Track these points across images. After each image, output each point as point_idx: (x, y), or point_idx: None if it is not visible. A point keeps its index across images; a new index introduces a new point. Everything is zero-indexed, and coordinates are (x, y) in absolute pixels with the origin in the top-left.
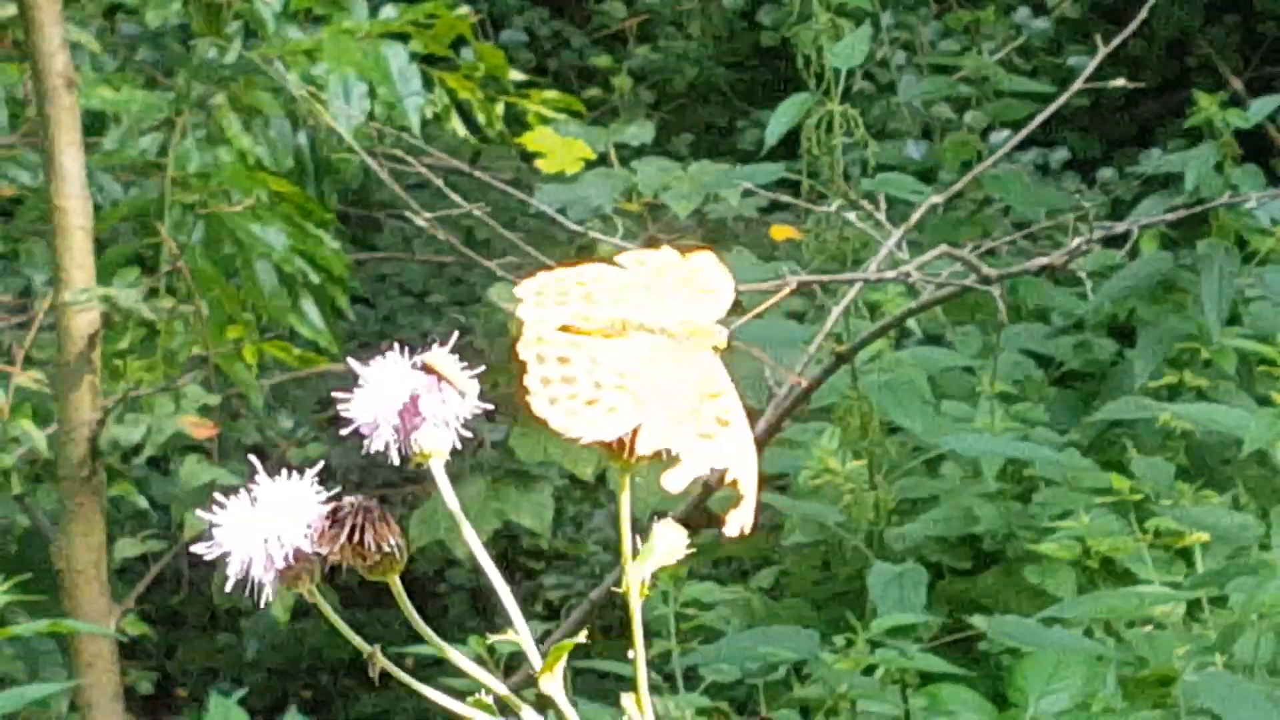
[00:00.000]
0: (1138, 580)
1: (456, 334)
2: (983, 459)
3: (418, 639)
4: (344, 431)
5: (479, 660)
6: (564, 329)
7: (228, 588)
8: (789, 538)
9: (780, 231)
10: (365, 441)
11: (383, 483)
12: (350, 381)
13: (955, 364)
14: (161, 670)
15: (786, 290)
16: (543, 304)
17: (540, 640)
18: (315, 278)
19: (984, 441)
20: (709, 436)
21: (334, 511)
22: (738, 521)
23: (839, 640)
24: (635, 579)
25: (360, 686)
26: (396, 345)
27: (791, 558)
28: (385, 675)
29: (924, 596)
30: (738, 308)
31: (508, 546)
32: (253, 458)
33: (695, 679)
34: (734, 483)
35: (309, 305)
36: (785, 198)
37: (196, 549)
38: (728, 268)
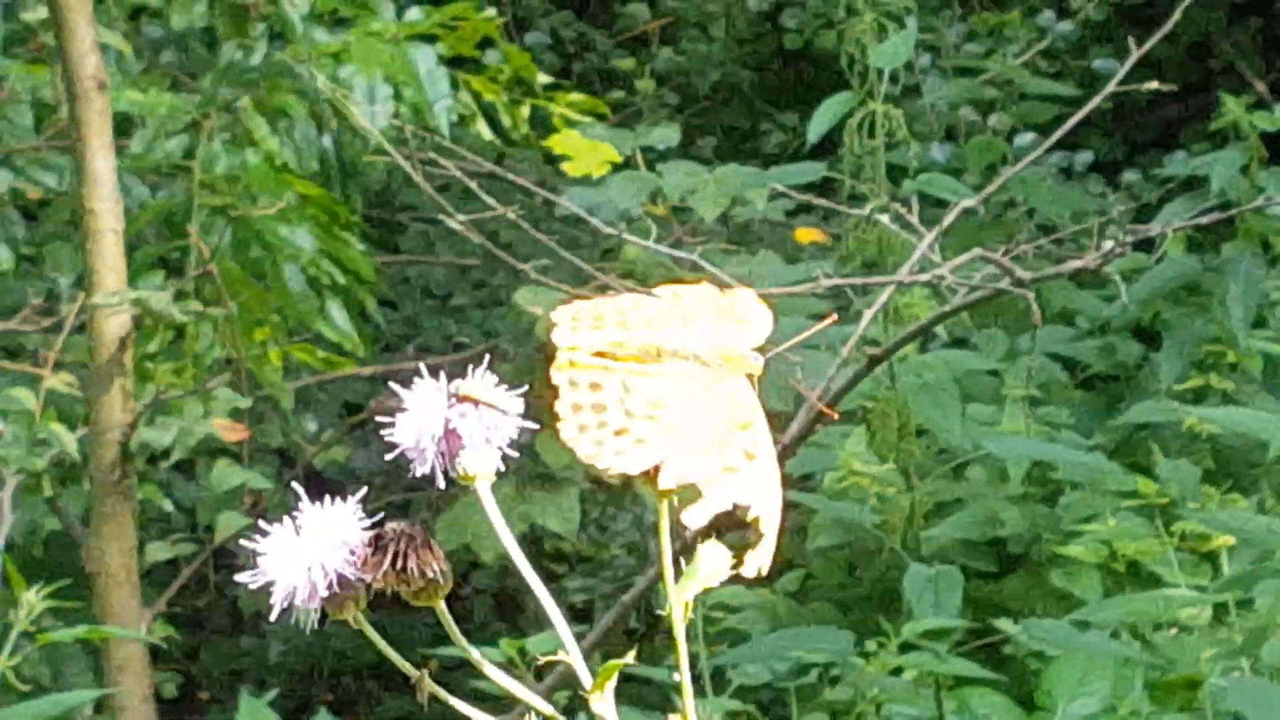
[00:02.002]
0: (1164, 584)
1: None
2: (1009, 462)
3: (444, 641)
4: (389, 456)
5: (509, 663)
6: (598, 354)
7: (273, 617)
8: (814, 541)
9: (805, 234)
10: (389, 446)
11: (407, 486)
12: (377, 385)
13: (981, 367)
14: (184, 673)
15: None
16: (578, 329)
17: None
18: (343, 280)
19: (1023, 444)
20: (734, 470)
21: (377, 538)
22: (756, 562)
23: (870, 644)
24: (678, 601)
25: (384, 690)
26: (425, 370)
27: (817, 561)
28: (408, 679)
29: (959, 599)
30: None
31: (531, 549)
32: (296, 486)
33: (722, 682)
34: (755, 520)
35: (335, 308)
36: (819, 201)
37: (241, 577)
38: (754, 271)
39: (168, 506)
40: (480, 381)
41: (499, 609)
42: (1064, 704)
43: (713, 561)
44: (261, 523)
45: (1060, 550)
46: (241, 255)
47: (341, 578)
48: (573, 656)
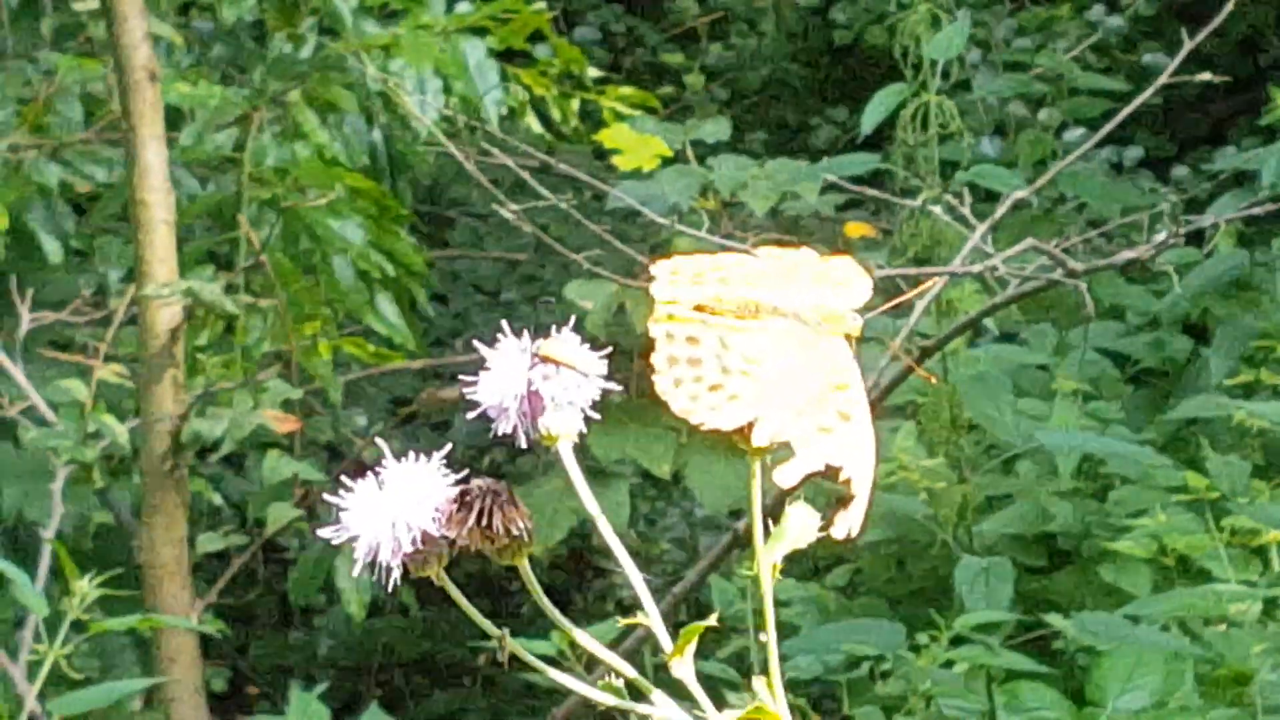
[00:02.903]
0: (1213, 578)
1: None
2: (1059, 457)
3: (483, 637)
4: (471, 415)
5: (560, 655)
6: (697, 308)
7: (354, 571)
8: (864, 535)
9: (855, 229)
10: (439, 438)
11: (455, 481)
12: (426, 379)
13: (1031, 362)
14: (233, 667)
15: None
16: (677, 283)
17: (622, 638)
18: (392, 273)
19: (1074, 438)
20: (828, 430)
21: (462, 495)
22: (846, 523)
23: (921, 637)
24: (767, 562)
25: (432, 684)
26: (507, 328)
27: (866, 556)
28: (457, 673)
29: (1010, 591)
30: None
31: (580, 543)
32: (381, 441)
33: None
34: (847, 481)
35: (385, 301)
36: (870, 192)
37: (324, 532)
38: None
39: (217, 500)
40: (563, 342)
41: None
42: (1114, 698)
43: (800, 523)
44: (345, 479)
45: (1110, 545)
46: (291, 248)
47: (425, 534)
48: (655, 623)
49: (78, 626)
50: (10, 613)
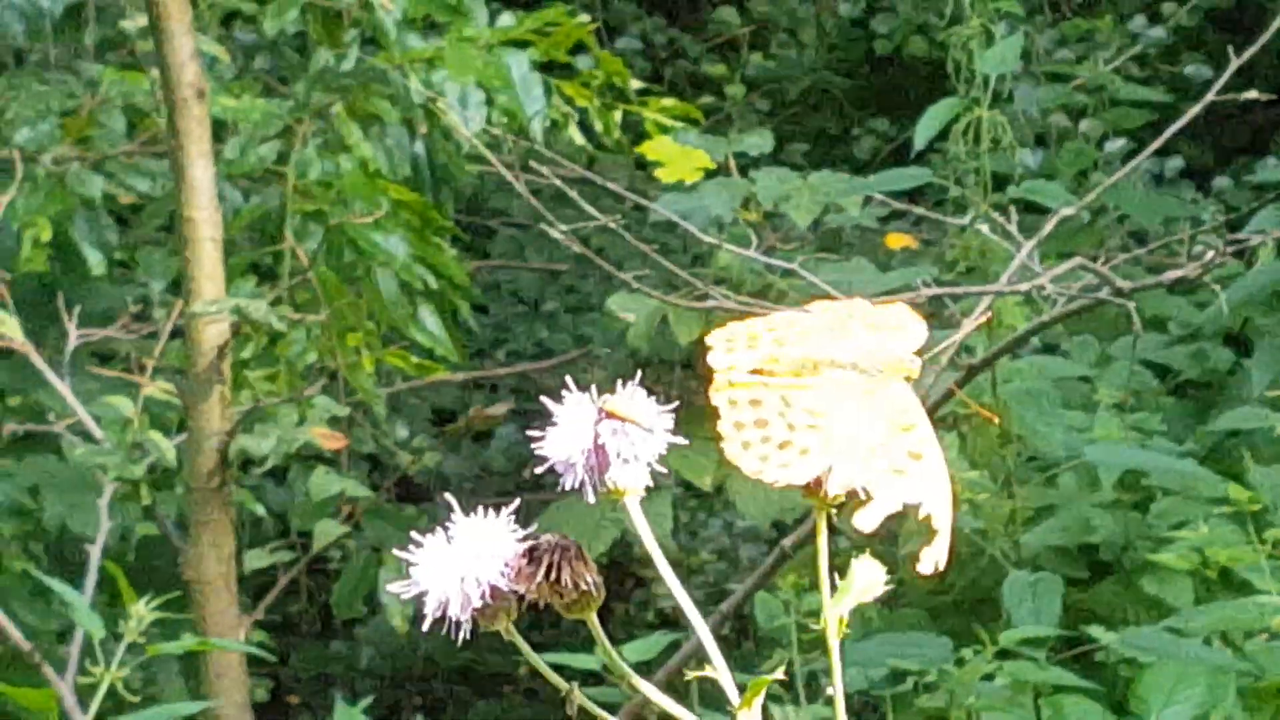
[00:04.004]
0: (1256, 591)
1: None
2: (1101, 468)
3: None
4: (540, 470)
5: (605, 670)
6: (755, 372)
7: (424, 626)
8: (906, 547)
9: (896, 240)
10: (481, 450)
11: (497, 491)
12: (468, 391)
13: (1073, 373)
14: (274, 677)
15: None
16: (733, 349)
17: (667, 650)
18: (435, 285)
19: (1120, 452)
20: (901, 472)
21: (531, 550)
22: (932, 558)
23: (966, 651)
24: (833, 616)
25: (474, 694)
26: (574, 385)
27: (908, 567)
28: (498, 682)
29: (1058, 606)
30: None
31: (622, 554)
32: (449, 496)
33: (816, 689)
34: (927, 518)
35: (427, 314)
36: (917, 209)
37: (393, 587)
38: (847, 278)
39: (260, 511)
40: (629, 398)
41: None
42: (1157, 711)
43: (867, 576)
44: (414, 534)
45: (1152, 557)
46: (335, 261)
47: (494, 588)
48: (723, 679)
49: (131, 646)
50: (54, 624)
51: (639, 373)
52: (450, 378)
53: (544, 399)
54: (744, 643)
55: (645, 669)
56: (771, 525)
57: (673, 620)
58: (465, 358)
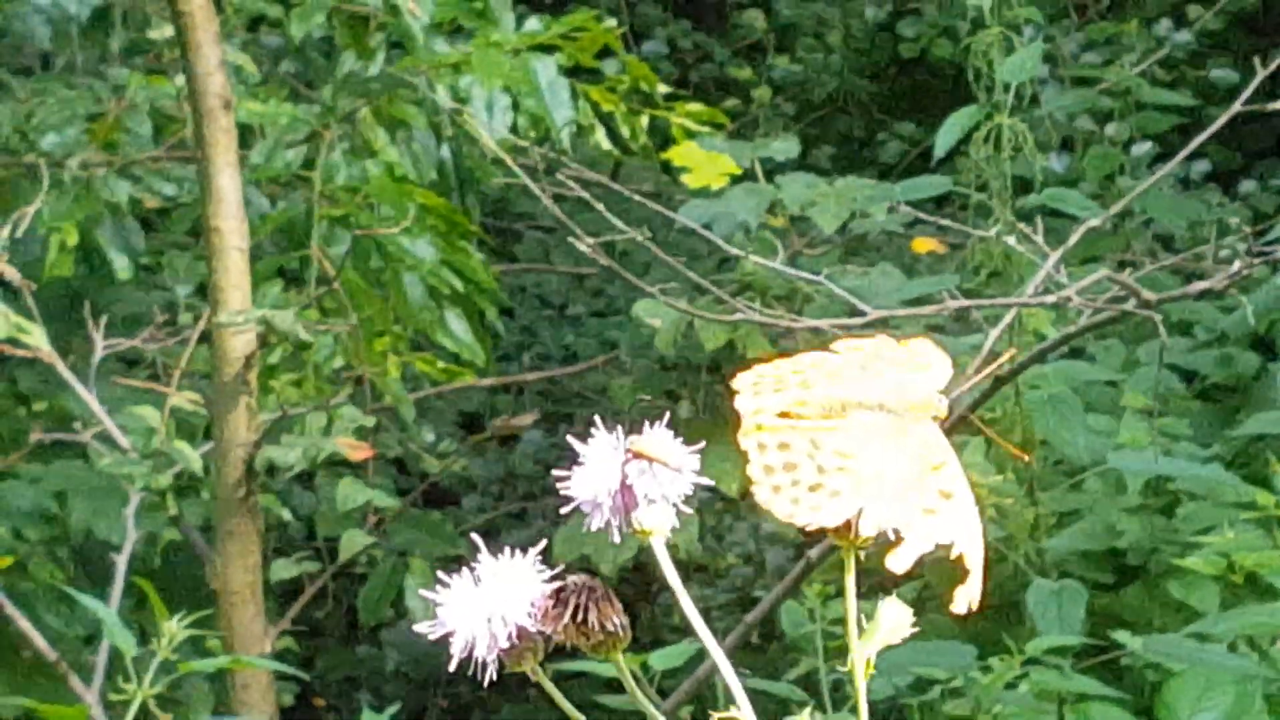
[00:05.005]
0: None
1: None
2: (1127, 474)
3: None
4: (565, 510)
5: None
6: (782, 415)
7: (451, 667)
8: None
9: (922, 244)
10: (507, 454)
11: (523, 495)
12: (495, 394)
13: (1099, 378)
14: (300, 680)
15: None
16: (760, 392)
17: (693, 659)
18: (462, 290)
19: (1145, 460)
20: (932, 511)
21: (558, 591)
22: (965, 598)
23: (992, 659)
24: (860, 658)
25: (499, 697)
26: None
27: (933, 572)
28: (523, 686)
29: (1082, 614)
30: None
31: (647, 558)
32: (476, 537)
33: (841, 696)
34: (959, 558)
35: (454, 318)
36: (942, 221)
37: (419, 628)
38: (872, 283)
39: (286, 516)
40: (656, 439)
41: None
42: (1185, 719)
43: (894, 618)
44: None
45: (1178, 562)
46: (362, 266)
47: (520, 629)
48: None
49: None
50: (79, 629)
51: (664, 378)
52: (477, 382)
53: (571, 440)
54: (770, 647)
55: (673, 675)
56: (798, 530)
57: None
58: (492, 362)
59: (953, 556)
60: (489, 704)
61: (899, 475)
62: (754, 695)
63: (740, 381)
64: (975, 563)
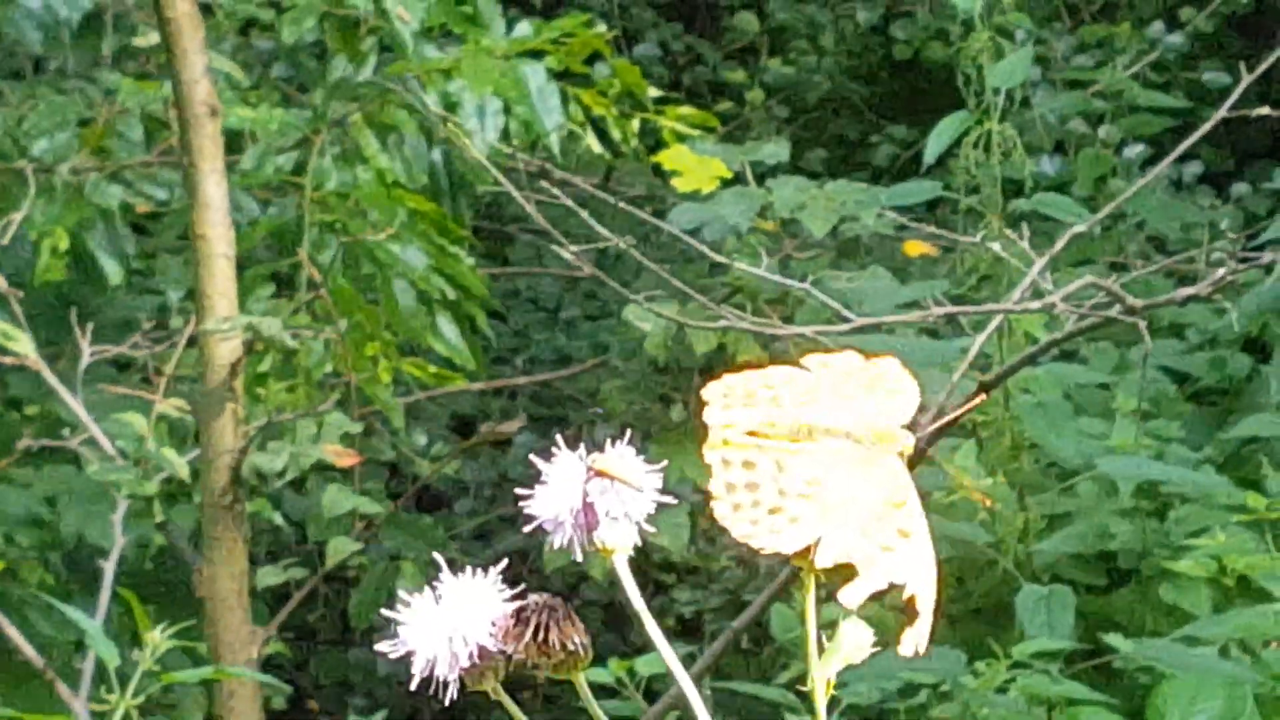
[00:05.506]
0: (1273, 599)
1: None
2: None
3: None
4: (528, 529)
5: (618, 683)
6: (750, 434)
7: (412, 686)
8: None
9: (914, 248)
10: (497, 459)
11: (515, 499)
12: (486, 398)
13: (1090, 381)
14: (293, 684)
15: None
16: (730, 406)
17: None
18: (452, 295)
19: (1135, 464)
20: (890, 549)
21: (519, 610)
22: (912, 641)
23: (980, 664)
24: (821, 678)
25: (492, 700)
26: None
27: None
28: (516, 688)
29: (1071, 618)
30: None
31: (640, 559)
32: (438, 556)
33: (833, 700)
34: (910, 599)
35: (445, 323)
36: (930, 230)
37: (380, 647)
38: (863, 287)
39: (278, 520)
40: (618, 457)
41: (608, 621)
42: None
43: (855, 638)
44: (401, 592)
45: (1170, 564)
46: (352, 272)
47: (481, 648)
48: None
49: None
50: (70, 635)
51: (656, 381)
52: (469, 386)
53: (535, 459)
54: (763, 651)
55: (662, 680)
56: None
57: (692, 627)
58: (483, 366)
59: (904, 598)
60: (481, 708)
61: (862, 508)
62: (746, 699)
63: (710, 392)
64: (926, 606)
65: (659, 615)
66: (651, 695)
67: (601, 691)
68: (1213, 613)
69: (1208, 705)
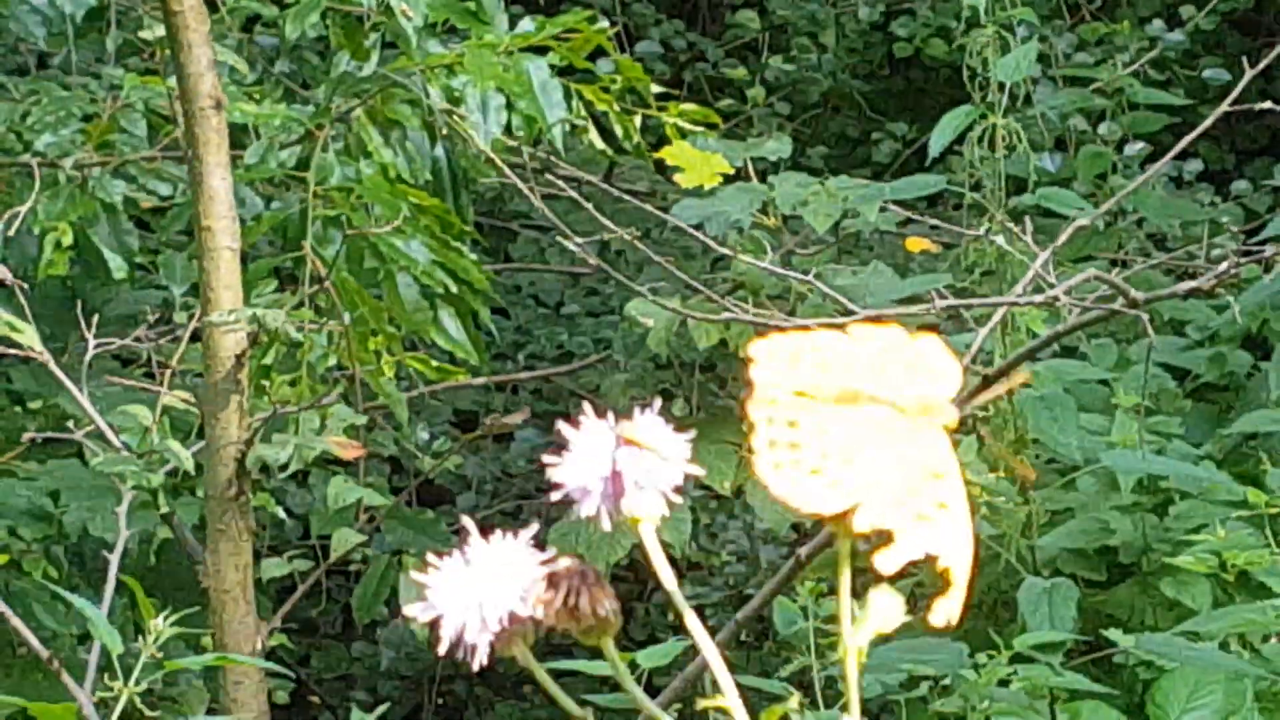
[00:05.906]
0: (1273, 594)
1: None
2: (1119, 472)
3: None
4: (555, 496)
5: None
6: (797, 393)
7: (441, 650)
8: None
9: (915, 243)
10: (502, 451)
11: (518, 494)
12: (489, 393)
13: (1091, 377)
14: (295, 678)
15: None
16: (775, 365)
17: (683, 656)
18: (455, 290)
19: (1138, 459)
20: (927, 519)
21: (550, 576)
22: (945, 612)
23: (981, 656)
24: (853, 647)
25: (494, 695)
26: (592, 411)
27: (926, 568)
28: (518, 683)
29: (1074, 612)
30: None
31: (640, 555)
32: (467, 521)
33: (834, 694)
34: (945, 571)
35: (448, 318)
36: (934, 221)
37: (409, 610)
38: (866, 281)
39: (281, 514)
40: (646, 425)
41: None
42: (1175, 717)
43: (884, 608)
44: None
45: (1170, 560)
46: (355, 267)
47: (513, 614)
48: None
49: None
50: (74, 627)
51: (658, 377)
52: (471, 381)
53: (561, 426)
54: (764, 645)
55: (663, 673)
56: (791, 528)
57: None
58: (486, 361)
59: (939, 568)
60: (483, 701)
61: (901, 477)
62: (747, 692)
63: (757, 349)
64: (960, 579)
65: (661, 611)
66: (654, 690)
67: (602, 684)
68: (1213, 608)
69: (1208, 699)
